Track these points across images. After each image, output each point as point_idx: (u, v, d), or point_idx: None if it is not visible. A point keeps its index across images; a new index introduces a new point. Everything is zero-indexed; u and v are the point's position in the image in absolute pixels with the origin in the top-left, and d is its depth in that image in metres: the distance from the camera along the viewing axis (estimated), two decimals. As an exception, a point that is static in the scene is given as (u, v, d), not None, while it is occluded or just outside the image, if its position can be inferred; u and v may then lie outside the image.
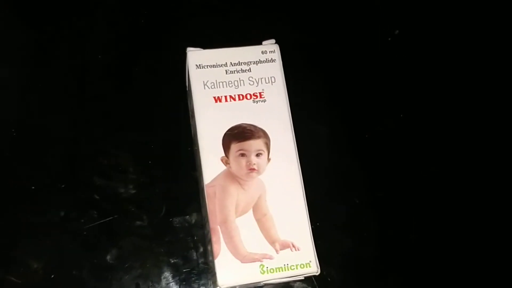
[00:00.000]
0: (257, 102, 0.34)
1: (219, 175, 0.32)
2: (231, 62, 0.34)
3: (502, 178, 0.41)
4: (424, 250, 0.38)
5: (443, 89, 0.42)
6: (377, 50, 0.43)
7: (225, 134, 0.33)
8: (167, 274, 0.36)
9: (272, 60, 0.34)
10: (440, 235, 0.39)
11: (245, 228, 0.31)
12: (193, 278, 0.36)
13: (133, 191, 0.38)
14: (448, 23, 0.44)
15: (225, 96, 0.33)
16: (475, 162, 0.41)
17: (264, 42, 0.35)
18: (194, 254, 0.37)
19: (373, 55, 0.43)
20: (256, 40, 0.35)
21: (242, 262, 0.31)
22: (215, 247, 0.31)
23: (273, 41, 0.35)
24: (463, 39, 0.44)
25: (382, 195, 0.39)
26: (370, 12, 0.44)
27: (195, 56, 0.34)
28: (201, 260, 0.37)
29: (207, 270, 0.36)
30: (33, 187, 0.37)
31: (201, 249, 0.37)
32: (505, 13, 0.45)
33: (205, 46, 0.34)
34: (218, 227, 0.31)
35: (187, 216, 0.37)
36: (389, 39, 0.43)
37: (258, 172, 0.32)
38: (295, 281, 0.36)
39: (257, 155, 0.32)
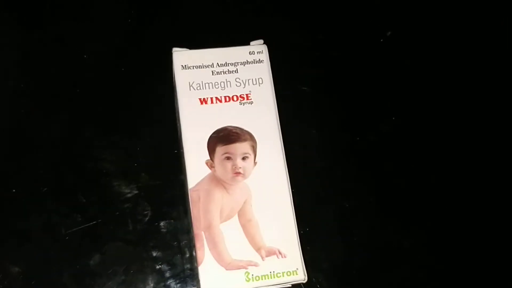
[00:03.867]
0: (243, 104, 0.33)
1: (203, 179, 0.31)
2: (217, 63, 0.33)
3: (499, 180, 0.40)
4: (417, 258, 0.37)
5: (436, 92, 0.42)
6: (369, 51, 0.42)
7: (210, 137, 0.32)
8: (152, 280, 0.35)
9: (260, 61, 0.34)
10: (434, 242, 0.38)
11: (230, 234, 0.30)
12: (178, 285, 0.35)
13: (118, 195, 0.37)
14: (441, 24, 0.44)
15: (211, 98, 0.33)
16: (470, 165, 0.40)
17: (252, 43, 0.34)
18: (180, 259, 0.36)
19: (365, 57, 0.42)
20: (244, 41, 0.34)
21: (226, 269, 0.30)
22: (198, 253, 0.30)
23: (261, 41, 0.34)
24: (456, 40, 0.43)
25: (373, 199, 0.38)
26: (362, 12, 0.43)
27: (180, 56, 0.33)
28: (187, 266, 0.36)
29: (193, 276, 0.35)
30: (13, 190, 0.36)
31: (187, 254, 0.36)
32: (498, 13, 0.44)
33: (191, 46, 0.33)
34: (202, 232, 0.30)
35: (173, 221, 0.36)
36: (381, 40, 0.42)
37: (244, 176, 0.31)
38: (282, 288, 0.35)
39: (243, 158, 0.32)
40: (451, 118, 0.41)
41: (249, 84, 0.33)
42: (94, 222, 0.36)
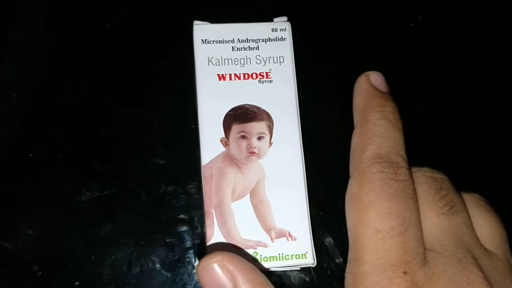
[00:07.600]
0: (263, 82, 0.32)
1: (217, 156, 0.31)
2: (238, 39, 0.32)
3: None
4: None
5: (466, 80, 0.40)
6: (398, 35, 0.40)
7: (226, 114, 0.31)
8: (162, 253, 0.35)
9: (283, 39, 0.33)
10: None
11: (241, 214, 0.30)
12: (188, 259, 0.35)
13: (133, 166, 0.37)
14: (475, 10, 0.42)
15: (230, 74, 0.32)
16: (500, 158, 0.38)
17: (275, 19, 0.33)
18: (191, 234, 0.36)
19: (393, 41, 0.40)
20: (268, 17, 0.33)
21: (235, 249, 0.30)
22: (208, 230, 0.30)
23: (285, 18, 0.33)
24: (490, 27, 0.41)
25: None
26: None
27: (201, 30, 0.32)
28: (197, 241, 0.35)
29: (203, 252, 0.35)
30: (30, 155, 0.36)
31: (199, 230, 0.36)
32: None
33: (213, 20, 0.33)
34: (213, 210, 0.30)
35: (187, 196, 0.36)
36: (412, 24, 0.41)
37: (259, 156, 0.31)
38: (292, 271, 0.35)
39: (259, 138, 0.31)
40: (481, 107, 0.39)
41: (269, 62, 0.32)
42: (107, 192, 0.36)
